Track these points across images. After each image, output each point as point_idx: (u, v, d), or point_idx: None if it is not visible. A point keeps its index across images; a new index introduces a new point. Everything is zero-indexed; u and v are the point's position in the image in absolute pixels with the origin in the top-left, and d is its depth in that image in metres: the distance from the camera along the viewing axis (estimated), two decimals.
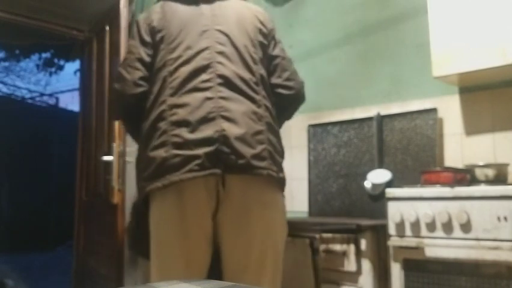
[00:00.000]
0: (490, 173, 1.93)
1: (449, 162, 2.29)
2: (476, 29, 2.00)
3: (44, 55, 8.12)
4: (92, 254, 2.80)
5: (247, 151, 1.50)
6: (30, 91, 9.70)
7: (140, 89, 1.63)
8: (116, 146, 2.36)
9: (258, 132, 1.55)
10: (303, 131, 2.81)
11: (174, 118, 1.52)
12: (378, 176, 2.39)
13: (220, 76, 1.57)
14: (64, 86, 9.61)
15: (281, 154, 1.65)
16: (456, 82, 2.26)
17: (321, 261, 2.06)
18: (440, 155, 2.31)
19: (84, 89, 3.16)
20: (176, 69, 1.58)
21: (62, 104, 9.49)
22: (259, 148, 1.53)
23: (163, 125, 1.53)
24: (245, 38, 1.66)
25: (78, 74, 3.96)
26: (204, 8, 1.68)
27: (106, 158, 2.42)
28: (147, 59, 1.65)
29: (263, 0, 3.16)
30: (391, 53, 2.59)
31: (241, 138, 1.50)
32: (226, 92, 1.55)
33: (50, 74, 8.67)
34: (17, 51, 7.91)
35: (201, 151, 1.47)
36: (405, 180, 2.27)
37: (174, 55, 1.60)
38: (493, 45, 1.94)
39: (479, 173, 1.95)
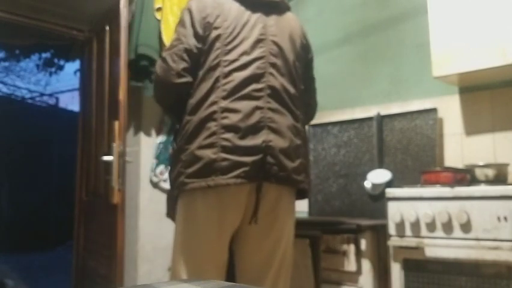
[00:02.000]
0: (490, 173, 1.93)
1: (449, 162, 2.29)
2: (476, 29, 2.00)
3: (44, 55, 8.11)
4: (92, 254, 2.79)
5: (289, 164, 1.59)
6: (30, 91, 9.70)
7: (182, 80, 1.63)
8: (116, 146, 2.36)
9: (298, 147, 1.64)
10: None
11: (225, 122, 1.54)
12: (378, 176, 2.39)
13: (271, 87, 1.61)
14: (64, 86, 9.61)
15: (309, 165, 1.77)
16: (456, 82, 2.26)
17: (321, 261, 2.06)
18: (440, 155, 2.31)
19: (84, 89, 3.15)
20: (230, 72, 1.59)
21: (62, 104, 9.48)
22: (298, 162, 1.62)
23: (213, 126, 1.55)
24: (294, 52, 1.72)
25: (78, 74, 3.95)
26: (260, 16, 1.69)
27: (106, 158, 2.42)
28: (195, 51, 1.63)
29: None
30: (391, 53, 2.59)
31: (284, 151, 1.58)
32: (274, 104, 1.60)
33: (50, 74, 8.66)
34: (17, 51, 7.89)
35: (249, 159, 1.52)
36: (405, 180, 2.27)
37: (229, 57, 1.61)
38: (493, 45, 1.94)
39: (479, 173, 1.95)
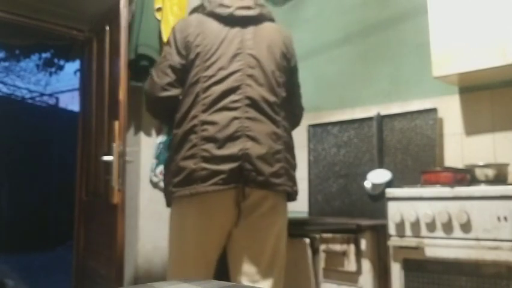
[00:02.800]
0: (490, 173, 1.93)
1: (449, 162, 2.29)
2: (476, 29, 2.00)
3: (44, 55, 8.11)
4: (92, 254, 2.79)
5: (266, 169, 1.67)
6: (30, 91, 9.70)
7: (166, 93, 1.79)
8: (116, 146, 2.36)
9: (277, 152, 1.71)
10: (303, 131, 2.81)
11: (205, 134, 1.67)
12: (378, 176, 2.39)
13: (248, 98, 1.71)
14: (64, 86, 9.61)
15: (295, 168, 1.82)
16: (456, 82, 2.26)
17: (321, 261, 2.06)
18: (440, 155, 2.31)
19: (84, 89, 3.15)
20: (209, 87, 1.71)
21: (62, 104, 9.48)
22: (277, 166, 1.70)
23: (194, 138, 1.68)
24: (273, 63, 1.79)
25: (78, 74, 3.95)
26: (238, 30, 1.79)
27: (106, 158, 2.42)
28: (179, 67, 1.78)
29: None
30: (391, 53, 2.59)
31: (262, 157, 1.67)
32: (252, 113, 1.70)
33: (50, 74, 8.66)
34: (17, 51, 7.90)
35: (226, 167, 1.63)
36: (405, 180, 2.27)
37: (208, 73, 1.73)
38: (493, 45, 1.94)
39: (479, 173, 1.95)
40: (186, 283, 0.87)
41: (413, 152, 2.35)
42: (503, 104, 2.19)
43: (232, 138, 1.65)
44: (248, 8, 1.82)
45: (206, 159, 1.64)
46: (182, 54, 1.78)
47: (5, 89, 9.36)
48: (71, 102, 9.00)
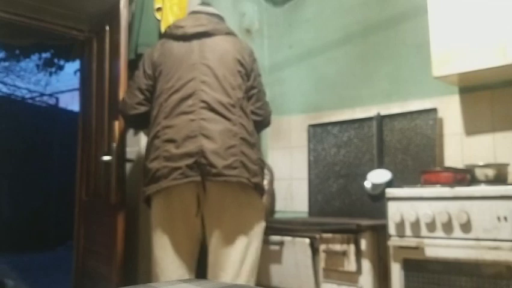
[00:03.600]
0: (490, 173, 1.93)
1: (449, 162, 2.29)
2: (476, 29, 2.00)
3: (44, 55, 8.11)
4: (92, 254, 2.79)
5: (219, 162, 1.85)
6: (30, 91, 9.69)
7: (136, 111, 2.11)
8: (116, 146, 2.36)
9: (231, 147, 1.89)
10: (303, 131, 2.82)
11: (165, 137, 1.91)
12: (378, 176, 2.39)
13: (203, 101, 1.93)
14: (64, 86, 9.60)
15: (256, 162, 1.96)
16: (456, 82, 2.26)
17: (321, 261, 2.06)
18: (440, 155, 2.31)
19: (84, 89, 3.15)
20: (169, 96, 1.97)
21: (62, 104, 9.48)
22: (231, 159, 1.87)
23: (157, 142, 1.93)
24: (225, 68, 2.01)
25: (78, 74, 3.95)
26: (194, 44, 2.05)
27: (106, 158, 2.42)
28: (144, 87, 2.09)
29: (263, 0, 3.16)
30: (391, 53, 2.59)
31: (215, 152, 1.86)
32: (207, 114, 1.91)
33: (50, 74, 8.65)
34: (17, 51, 7.89)
35: (182, 163, 1.86)
36: (405, 180, 2.27)
37: (168, 85, 1.99)
38: (493, 45, 1.94)
39: (479, 173, 1.95)
40: (186, 283, 0.87)
41: (413, 152, 2.35)
42: (503, 104, 2.19)
43: (189, 137, 1.88)
44: (200, 25, 2.08)
45: (167, 158, 1.88)
46: (148, 74, 2.08)
47: (5, 89, 9.36)
48: (71, 102, 9.00)
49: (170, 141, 1.90)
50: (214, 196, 1.91)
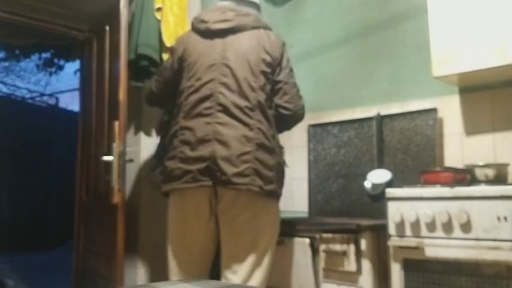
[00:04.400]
0: (490, 173, 1.93)
1: (449, 162, 2.29)
2: (476, 29, 2.00)
3: (44, 55, 8.11)
4: (92, 254, 2.79)
5: (230, 169, 1.82)
6: (30, 91, 9.70)
7: (156, 98, 2.22)
8: (116, 146, 2.36)
9: (245, 153, 1.84)
10: (303, 131, 2.81)
11: (182, 138, 1.91)
12: (378, 176, 2.39)
13: (220, 104, 1.89)
14: (64, 86, 9.60)
15: (273, 168, 1.90)
16: (456, 82, 2.26)
17: (321, 261, 2.06)
18: (440, 155, 2.31)
19: (84, 89, 3.15)
20: (188, 96, 1.95)
21: (62, 104, 9.49)
22: (243, 167, 1.83)
23: (175, 141, 1.94)
24: (246, 69, 1.94)
25: (78, 74, 3.95)
26: (217, 42, 1.99)
27: (106, 158, 2.42)
28: (170, 79, 2.10)
29: (263, 0, 3.16)
30: (391, 53, 2.59)
31: (227, 159, 1.83)
32: (223, 118, 1.88)
33: (50, 74, 8.65)
34: (17, 51, 7.89)
35: (194, 167, 1.86)
36: (405, 180, 2.27)
37: (188, 84, 1.97)
38: (493, 44, 1.94)
39: (479, 173, 1.95)
40: (186, 283, 0.87)
41: (413, 152, 2.35)
42: (503, 104, 2.19)
43: (203, 141, 1.87)
44: (225, 20, 2.00)
45: (181, 160, 1.89)
46: (174, 68, 2.07)
47: (5, 89, 9.36)
48: (71, 102, 9.00)
49: (186, 143, 1.90)
50: (226, 202, 1.89)
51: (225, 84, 1.91)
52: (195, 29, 2.06)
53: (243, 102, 1.90)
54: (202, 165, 1.84)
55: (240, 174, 1.83)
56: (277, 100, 2.01)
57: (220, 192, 1.88)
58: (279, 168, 1.95)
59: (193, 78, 1.96)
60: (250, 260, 1.88)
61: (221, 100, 1.89)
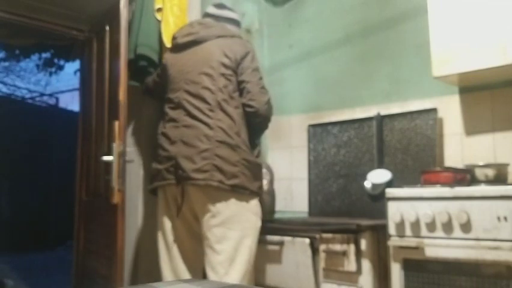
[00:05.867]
0: (490, 173, 1.93)
1: (449, 162, 2.29)
2: (476, 29, 2.00)
3: (44, 55, 8.11)
4: (92, 254, 2.79)
5: (189, 166, 2.00)
6: (30, 91, 9.69)
7: (151, 94, 2.53)
8: (116, 146, 2.36)
9: (204, 151, 2.00)
10: (303, 131, 2.82)
11: (159, 142, 2.18)
12: (378, 176, 2.39)
13: (185, 109, 2.11)
14: (64, 86, 9.60)
15: (237, 163, 2.01)
16: (456, 82, 2.26)
17: (321, 261, 2.06)
18: (440, 155, 2.31)
19: (84, 89, 3.15)
20: (166, 106, 2.22)
21: (62, 104, 9.48)
22: (202, 163, 1.99)
23: (157, 146, 2.19)
24: (207, 75, 2.12)
25: (78, 74, 3.95)
26: (185, 53, 2.23)
27: (106, 158, 2.41)
28: (157, 87, 2.43)
29: (263, 0, 3.16)
30: (391, 53, 2.59)
31: (186, 156, 2.02)
32: (187, 121, 2.09)
33: (50, 74, 8.65)
34: (17, 51, 7.90)
35: (163, 166, 2.11)
36: (405, 180, 2.27)
37: (166, 96, 2.24)
38: (493, 44, 1.95)
39: (479, 173, 1.95)
40: (186, 283, 0.87)
41: (413, 152, 2.35)
42: (503, 104, 2.19)
43: (172, 143, 2.09)
44: (190, 34, 2.24)
45: (158, 161, 2.15)
46: (157, 81, 2.41)
47: (5, 89, 9.36)
48: (71, 102, 9.00)
49: (161, 146, 2.14)
50: (192, 198, 2.04)
51: (187, 91, 2.13)
52: (171, 48, 2.35)
53: (202, 105, 2.08)
54: (168, 164, 2.07)
55: (198, 170, 1.98)
56: (242, 99, 2.14)
57: (186, 190, 2.04)
58: (249, 164, 2.04)
59: (170, 90, 2.22)
60: (224, 255, 1.98)
61: (185, 105, 2.11)
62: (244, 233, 2.03)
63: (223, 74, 2.13)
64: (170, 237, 2.15)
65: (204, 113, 2.07)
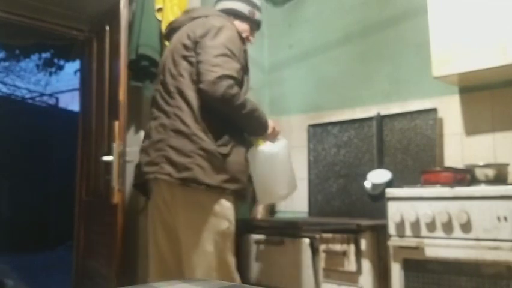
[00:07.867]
0: (490, 173, 1.93)
1: (449, 162, 2.29)
2: (476, 29, 2.00)
3: (44, 55, 8.12)
4: (92, 254, 2.79)
5: (143, 159, 1.90)
6: (30, 91, 9.70)
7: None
8: (116, 146, 2.36)
9: (157, 141, 1.86)
10: (303, 131, 2.81)
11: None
12: (378, 176, 2.39)
13: (155, 101, 1.98)
14: (64, 86, 9.60)
15: (190, 154, 1.78)
16: (456, 82, 2.26)
17: (321, 261, 2.06)
18: (440, 155, 2.31)
19: (84, 89, 3.15)
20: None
21: (62, 104, 9.49)
22: (154, 155, 1.85)
23: None
24: (170, 59, 1.97)
25: (78, 74, 3.95)
26: (169, 45, 2.09)
27: (106, 158, 2.42)
28: None
29: (263, 0, 3.16)
30: (391, 53, 2.59)
31: (143, 150, 1.94)
32: (154, 113, 1.96)
33: (50, 74, 8.66)
34: (17, 51, 7.90)
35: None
36: (405, 180, 2.27)
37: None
38: (493, 44, 1.94)
39: (479, 173, 1.95)
40: (186, 283, 0.87)
41: (413, 152, 2.35)
42: (503, 104, 2.19)
43: (144, 138, 2.00)
44: (172, 23, 2.14)
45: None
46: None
47: (5, 89, 9.36)
48: (71, 102, 9.00)
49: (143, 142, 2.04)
50: (153, 195, 1.94)
51: (162, 82, 1.98)
52: None
53: (164, 94, 1.94)
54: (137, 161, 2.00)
55: (150, 163, 1.85)
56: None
57: (151, 187, 1.94)
58: (208, 155, 1.76)
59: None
60: (190, 260, 1.81)
61: (156, 96, 1.99)
62: (199, 236, 1.79)
63: (184, 57, 1.91)
64: (152, 236, 2.02)
65: (165, 101, 1.91)
